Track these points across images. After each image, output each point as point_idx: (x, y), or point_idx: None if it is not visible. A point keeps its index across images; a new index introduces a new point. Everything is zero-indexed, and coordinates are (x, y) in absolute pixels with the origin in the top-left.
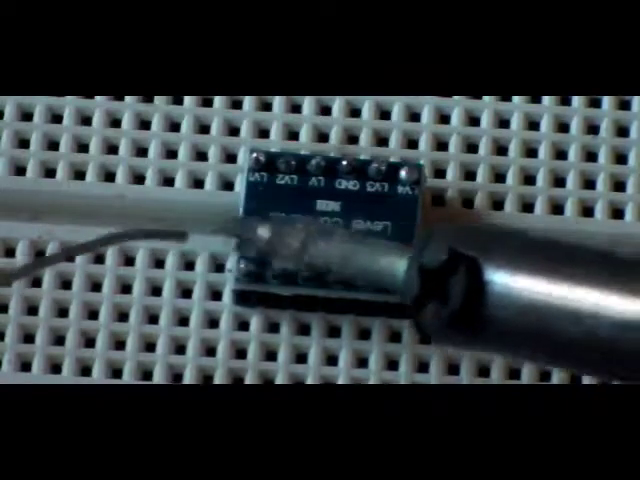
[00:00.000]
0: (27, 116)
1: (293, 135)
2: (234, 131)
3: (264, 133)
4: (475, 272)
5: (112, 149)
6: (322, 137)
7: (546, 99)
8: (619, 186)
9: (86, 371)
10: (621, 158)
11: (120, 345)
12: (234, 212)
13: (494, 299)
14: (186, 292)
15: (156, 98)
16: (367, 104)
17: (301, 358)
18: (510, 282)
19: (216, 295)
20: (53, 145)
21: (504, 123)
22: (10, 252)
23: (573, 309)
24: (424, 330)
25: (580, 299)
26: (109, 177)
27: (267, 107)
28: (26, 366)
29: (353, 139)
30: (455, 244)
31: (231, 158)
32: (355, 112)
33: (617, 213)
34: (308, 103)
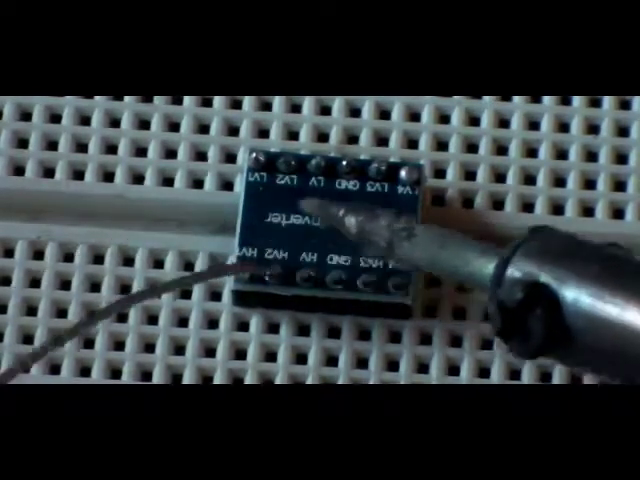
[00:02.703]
0: (26, 116)
1: (293, 135)
2: (234, 131)
3: (264, 133)
4: (553, 308)
5: (111, 149)
6: (322, 137)
7: (546, 99)
8: (619, 186)
9: (86, 371)
10: (621, 158)
11: (120, 345)
12: (234, 212)
13: (576, 328)
14: (186, 292)
15: (156, 98)
16: (367, 104)
17: (301, 359)
18: (592, 311)
19: (216, 295)
20: (52, 145)
21: (504, 123)
22: (9, 252)
23: None
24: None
25: None
26: (108, 177)
27: (267, 107)
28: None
29: (353, 139)
30: (534, 267)
31: (231, 158)
32: (355, 112)
33: (617, 213)
34: (308, 103)
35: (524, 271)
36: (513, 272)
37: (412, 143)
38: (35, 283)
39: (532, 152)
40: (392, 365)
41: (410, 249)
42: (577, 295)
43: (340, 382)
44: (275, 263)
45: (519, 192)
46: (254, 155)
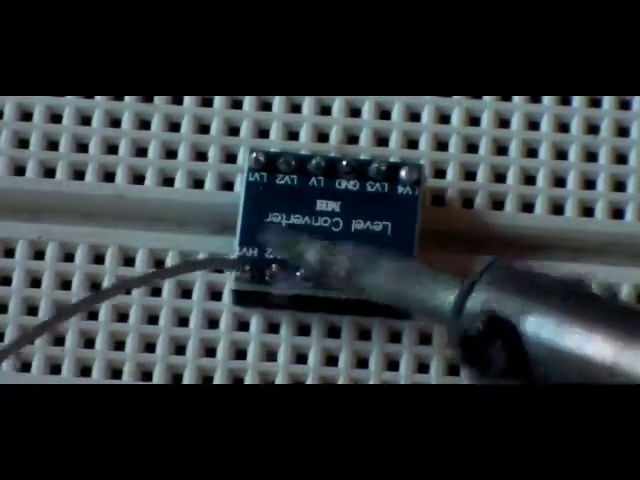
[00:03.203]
0: (27, 116)
1: (293, 135)
2: (234, 131)
3: (264, 133)
4: (514, 339)
5: (112, 149)
6: (322, 137)
7: (546, 99)
8: (619, 186)
9: (86, 371)
10: (621, 158)
11: (120, 345)
12: (234, 212)
13: (537, 359)
14: (186, 292)
15: (156, 98)
16: (367, 104)
17: (301, 358)
18: (552, 342)
19: (216, 295)
20: (53, 145)
21: (504, 123)
22: (9, 252)
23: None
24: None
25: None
26: (109, 177)
27: (267, 107)
28: (26, 366)
29: (353, 139)
30: (494, 299)
31: (231, 158)
32: (355, 112)
33: (617, 213)
34: (308, 103)
35: (484, 302)
36: (474, 303)
37: (412, 143)
38: (35, 283)
39: (532, 152)
40: (392, 365)
41: (370, 279)
42: (538, 326)
43: (340, 382)
44: (275, 263)
45: (519, 192)
46: (254, 155)
